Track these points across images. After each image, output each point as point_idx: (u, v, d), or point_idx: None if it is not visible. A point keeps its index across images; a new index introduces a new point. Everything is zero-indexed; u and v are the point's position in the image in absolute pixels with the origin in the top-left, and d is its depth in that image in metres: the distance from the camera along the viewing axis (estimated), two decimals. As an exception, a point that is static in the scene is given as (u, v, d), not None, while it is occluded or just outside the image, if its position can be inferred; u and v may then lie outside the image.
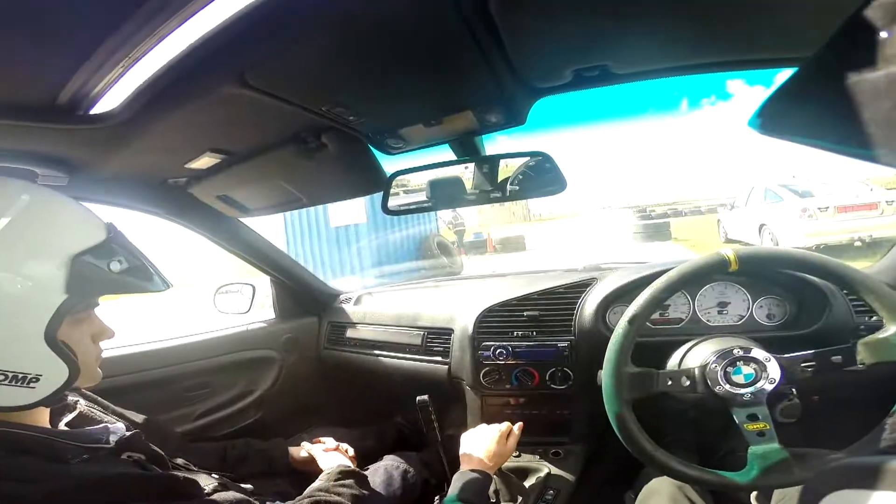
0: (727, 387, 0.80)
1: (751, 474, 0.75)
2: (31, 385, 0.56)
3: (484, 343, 1.24)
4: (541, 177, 0.84)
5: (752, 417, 0.78)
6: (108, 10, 0.48)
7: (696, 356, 0.90)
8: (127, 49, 0.54)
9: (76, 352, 0.60)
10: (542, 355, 1.19)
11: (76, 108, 0.66)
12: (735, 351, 0.82)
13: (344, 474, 0.88)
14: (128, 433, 0.69)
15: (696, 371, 0.83)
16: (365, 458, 1.24)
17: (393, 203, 0.91)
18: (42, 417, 0.64)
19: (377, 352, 1.52)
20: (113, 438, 0.67)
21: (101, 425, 0.70)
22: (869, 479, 0.42)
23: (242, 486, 0.84)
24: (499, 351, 1.22)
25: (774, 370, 0.80)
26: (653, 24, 0.59)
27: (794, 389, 0.84)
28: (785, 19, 0.58)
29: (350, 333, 1.60)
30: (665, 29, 0.61)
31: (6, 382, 0.54)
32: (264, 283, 1.64)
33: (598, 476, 1.17)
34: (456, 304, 1.41)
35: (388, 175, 0.90)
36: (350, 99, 0.71)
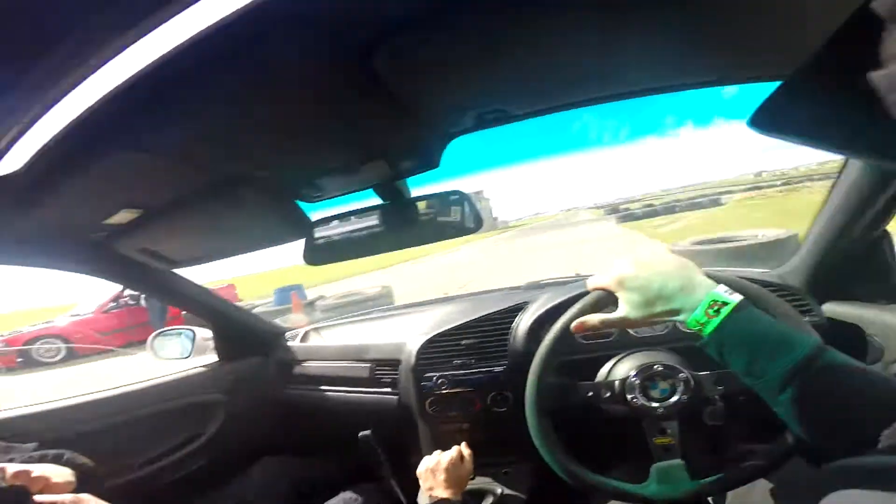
0: (643, 400, 0.85)
1: (649, 487, 0.78)
2: None
3: (426, 374, 1.26)
4: (456, 216, 0.88)
5: (662, 431, 0.83)
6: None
7: (620, 369, 0.95)
8: (18, 115, 0.53)
9: None
10: (481, 381, 1.22)
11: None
12: (655, 367, 0.87)
13: None
14: None
15: (617, 384, 0.88)
16: (321, 486, 1.23)
17: (318, 251, 0.92)
18: None
19: (324, 387, 1.52)
20: None
21: None
22: (869, 479, 0.41)
23: None
24: (441, 381, 1.24)
25: (688, 387, 0.84)
26: (526, 70, 0.63)
27: (717, 395, 0.86)
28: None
29: (298, 370, 1.59)
30: (542, 71, 0.65)
31: None
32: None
33: (551, 492, 1.19)
34: (403, 334, 1.42)
35: (311, 222, 0.92)
36: (256, 156, 0.72)
